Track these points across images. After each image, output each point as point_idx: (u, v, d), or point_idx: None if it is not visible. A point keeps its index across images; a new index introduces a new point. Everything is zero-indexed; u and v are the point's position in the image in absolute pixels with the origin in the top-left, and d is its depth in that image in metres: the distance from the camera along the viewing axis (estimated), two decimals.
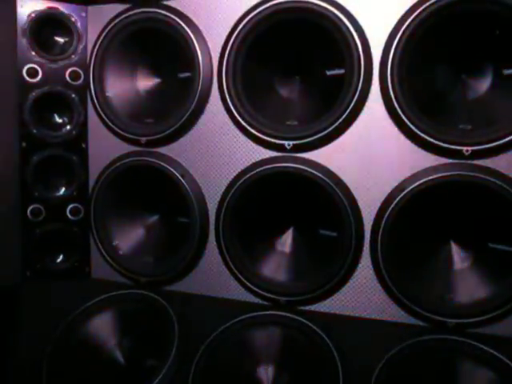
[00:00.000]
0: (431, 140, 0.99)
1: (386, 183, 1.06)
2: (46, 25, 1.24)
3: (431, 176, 1.00)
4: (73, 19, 1.24)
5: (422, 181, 1.01)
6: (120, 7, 1.21)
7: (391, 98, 1.01)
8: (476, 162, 0.99)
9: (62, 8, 1.23)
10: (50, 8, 1.22)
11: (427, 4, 0.96)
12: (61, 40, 1.27)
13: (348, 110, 1.04)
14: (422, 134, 1.00)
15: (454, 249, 1.10)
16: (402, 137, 1.03)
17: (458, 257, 1.10)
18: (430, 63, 1.05)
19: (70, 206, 1.30)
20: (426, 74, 1.06)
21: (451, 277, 1.09)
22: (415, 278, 1.07)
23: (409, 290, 1.06)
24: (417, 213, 1.04)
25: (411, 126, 1.00)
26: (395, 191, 1.04)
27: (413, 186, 1.01)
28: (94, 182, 1.30)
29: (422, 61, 1.03)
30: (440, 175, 1.00)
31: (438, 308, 1.04)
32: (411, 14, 0.98)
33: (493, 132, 0.97)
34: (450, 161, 1.00)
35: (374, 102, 1.05)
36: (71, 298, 1.24)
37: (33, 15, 1.21)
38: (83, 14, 1.25)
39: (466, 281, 1.07)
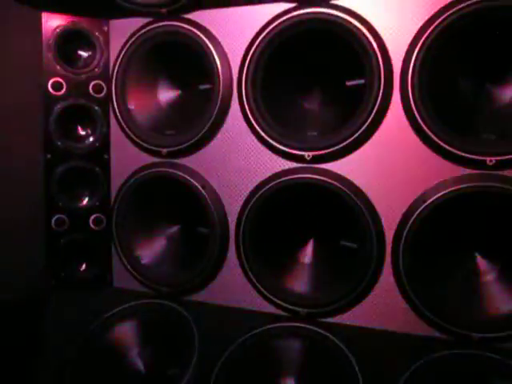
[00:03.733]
0: (454, 150, 0.98)
1: (408, 194, 1.04)
2: (70, 39, 1.26)
3: (454, 187, 0.99)
4: (96, 33, 1.26)
5: (444, 192, 0.99)
6: (141, 21, 1.23)
7: (412, 108, 1.00)
8: (500, 172, 0.97)
9: (85, 23, 1.26)
10: (73, 23, 1.25)
11: (449, 12, 0.95)
12: (84, 54, 1.30)
13: (368, 121, 1.03)
14: (444, 144, 0.98)
15: (479, 260, 1.08)
16: (423, 147, 1.02)
17: (483, 269, 1.08)
18: (452, 72, 1.03)
19: (93, 216, 1.32)
20: (448, 83, 1.04)
21: (476, 289, 1.07)
22: (438, 290, 1.05)
23: (431, 302, 1.04)
24: (439, 224, 1.02)
25: (432, 136, 0.99)
26: (417, 202, 1.03)
27: (435, 196, 1.00)
28: (116, 193, 1.32)
29: (444, 69, 1.01)
30: (463, 186, 0.98)
31: (462, 321, 1.02)
32: (432, 23, 0.97)
33: None
34: (474, 171, 0.99)
35: (395, 112, 1.04)
36: (95, 307, 1.26)
37: (58, 30, 1.24)
38: (105, 28, 1.27)
39: (492, 293, 1.05)
